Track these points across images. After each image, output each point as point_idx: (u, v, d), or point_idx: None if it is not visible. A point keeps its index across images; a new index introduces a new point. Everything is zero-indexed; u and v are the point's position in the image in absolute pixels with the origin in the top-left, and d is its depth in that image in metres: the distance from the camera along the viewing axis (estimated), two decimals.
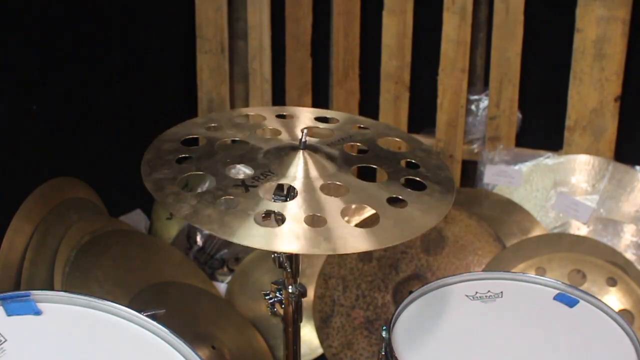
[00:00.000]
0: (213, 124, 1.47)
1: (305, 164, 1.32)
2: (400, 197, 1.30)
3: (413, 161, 1.43)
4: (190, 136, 1.42)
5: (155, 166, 1.32)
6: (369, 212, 1.30)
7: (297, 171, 1.31)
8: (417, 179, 1.37)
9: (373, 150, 1.45)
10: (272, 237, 1.18)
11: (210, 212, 1.20)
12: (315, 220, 1.21)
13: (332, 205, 1.25)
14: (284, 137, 1.44)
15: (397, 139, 1.51)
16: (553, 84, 2.42)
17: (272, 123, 1.50)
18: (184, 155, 1.36)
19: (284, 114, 1.54)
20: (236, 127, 1.47)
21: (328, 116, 1.56)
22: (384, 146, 1.49)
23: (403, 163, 1.43)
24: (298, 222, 1.20)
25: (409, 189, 1.33)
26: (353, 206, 1.28)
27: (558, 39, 2.35)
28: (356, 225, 1.21)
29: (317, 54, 2.58)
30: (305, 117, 1.54)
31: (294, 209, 1.23)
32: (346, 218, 1.23)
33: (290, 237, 1.18)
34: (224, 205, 1.23)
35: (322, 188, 1.28)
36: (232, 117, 1.52)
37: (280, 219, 1.22)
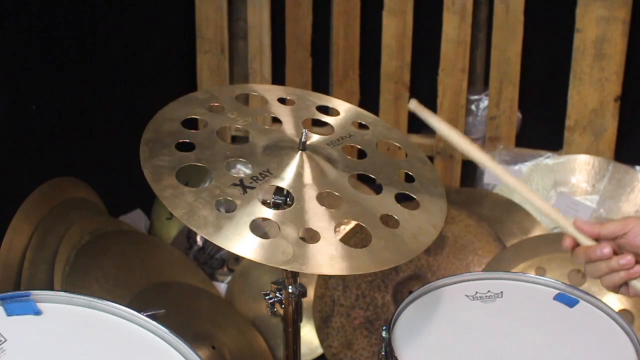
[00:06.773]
0: (215, 103, 1.45)
1: (304, 167, 1.32)
2: (394, 216, 1.30)
3: (410, 173, 1.43)
4: (191, 116, 1.40)
5: (155, 149, 1.29)
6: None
7: (295, 175, 1.31)
8: (412, 194, 1.37)
9: (372, 154, 1.44)
10: (266, 251, 1.18)
11: (207, 213, 1.20)
12: (309, 234, 1.22)
13: (326, 219, 1.25)
14: (285, 128, 1.43)
15: (396, 143, 1.51)
16: (553, 84, 2.42)
17: (273, 108, 1.49)
18: (184, 141, 1.33)
19: (286, 97, 1.53)
20: (237, 110, 1.45)
21: (330, 105, 1.55)
22: (384, 146, 1.49)
23: (400, 173, 1.42)
24: (292, 236, 1.21)
25: (402, 207, 1.33)
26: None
27: (558, 39, 2.35)
28: (345, 236, 1.21)
29: (317, 54, 2.58)
30: (306, 105, 1.52)
31: (289, 221, 1.23)
32: (337, 232, 1.24)
33: (282, 251, 1.18)
34: (221, 207, 1.22)
35: (319, 197, 1.28)
36: (234, 95, 1.49)
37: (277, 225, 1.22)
